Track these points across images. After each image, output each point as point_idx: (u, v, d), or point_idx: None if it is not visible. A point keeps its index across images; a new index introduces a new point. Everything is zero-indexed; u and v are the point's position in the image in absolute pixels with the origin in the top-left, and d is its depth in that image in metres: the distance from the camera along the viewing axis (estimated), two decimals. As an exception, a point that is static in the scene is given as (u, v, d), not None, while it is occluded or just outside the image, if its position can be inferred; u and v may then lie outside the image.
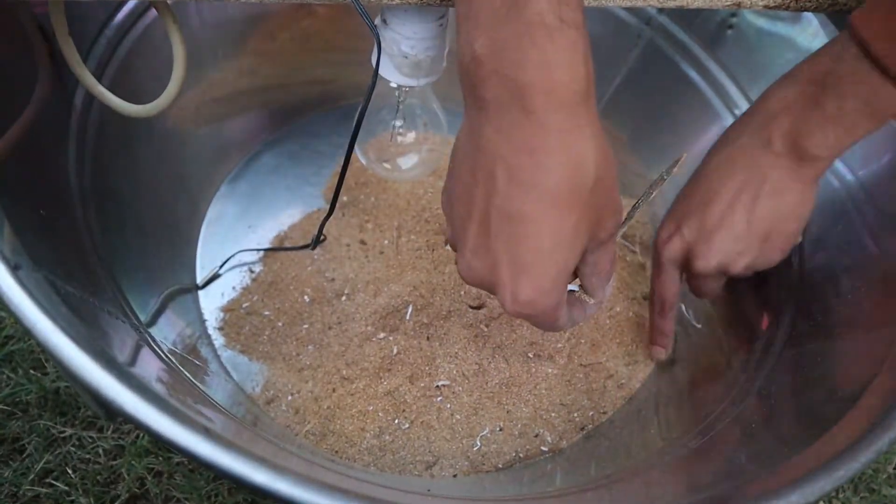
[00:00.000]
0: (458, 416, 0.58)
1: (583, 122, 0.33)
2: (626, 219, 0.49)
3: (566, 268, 0.37)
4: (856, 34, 0.41)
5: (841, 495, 0.76)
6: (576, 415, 0.60)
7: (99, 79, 0.51)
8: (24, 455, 0.65)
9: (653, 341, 0.61)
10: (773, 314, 0.58)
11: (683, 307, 0.65)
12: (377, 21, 0.46)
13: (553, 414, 0.60)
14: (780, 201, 0.48)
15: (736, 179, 0.48)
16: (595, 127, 0.34)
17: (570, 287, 0.42)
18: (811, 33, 0.59)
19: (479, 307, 0.62)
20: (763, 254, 0.51)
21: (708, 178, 0.50)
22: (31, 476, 0.64)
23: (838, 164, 0.57)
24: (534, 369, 0.61)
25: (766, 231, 0.49)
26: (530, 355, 0.61)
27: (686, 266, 0.54)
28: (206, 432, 0.28)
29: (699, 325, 0.64)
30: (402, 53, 0.46)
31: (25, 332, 0.30)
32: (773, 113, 0.46)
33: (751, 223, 0.49)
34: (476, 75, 0.33)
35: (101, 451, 0.66)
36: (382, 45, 0.46)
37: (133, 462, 0.65)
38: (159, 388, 0.40)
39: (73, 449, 0.66)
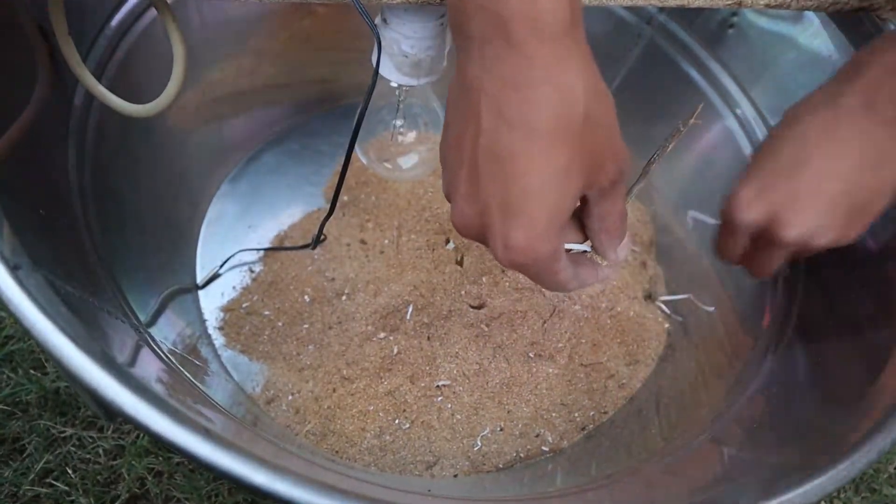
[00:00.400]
0: (458, 416, 0.58)
1: (570, 53, 0.32)
2: (641, 174, 0.45)
3: (559, 210, 0.34)
4: None
5: (842, 495, 0.76)
6: (576, 415, 0.60)
7: (99, 78, 0.50)
8: (25, 455, 0.65)
9: None
10: (775, 313, 0.58)
11: (692, 296, 0.65)
12: (377, 20, 0.46)
13: (554, 414, 0.60)
14: (882, 173, 0.43)
15: (835, 145, 0.42)
16: (584, 60, 0.33)
17: (582, 247, 0.41)
18: (812, 33, 0.59)
19: (479, 307, 0.62)
20: (847, 230, 0.45)
21: (800, 141, 0.44)
22: (32, 476, 0.64)
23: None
24: (534, 369, 0.60)
25: (862, 204, 0.44)
26: (531, 355, 0.61)
27: (763, 234, 0.46)
28: (206, 432, 0.28)
29: (712, 309, 0.63)
30: (403, 53, 0.46)
31: (25, 333, 0.29)
32: (876, 79, 0.42)
33: (849, 195, 0.43)
34: (463, 12, 0.32)
35: (101, 451, 0.66)
36: (383, 44, 0.45)
37: (133, 462, 0.65)
38: (159, 389, 0.39)
39: (73, 449, 0.66)
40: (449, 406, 0.59)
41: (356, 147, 0.60)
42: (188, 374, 0.50)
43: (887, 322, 0.48)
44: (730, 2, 0.45)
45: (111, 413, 0.29)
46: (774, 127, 0.46)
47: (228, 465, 0.27)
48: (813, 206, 0.43)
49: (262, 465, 0.27)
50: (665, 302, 0.67)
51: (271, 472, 0.27)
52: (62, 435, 0.66)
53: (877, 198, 0.43)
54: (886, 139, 0.41)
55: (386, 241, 0.67)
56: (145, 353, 0.47)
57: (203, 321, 0.63)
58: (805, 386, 0.50)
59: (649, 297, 0.68)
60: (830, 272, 0.56)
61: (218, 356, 0.61)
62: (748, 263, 0.50)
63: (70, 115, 0.52)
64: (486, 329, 0.61)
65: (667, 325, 0.66)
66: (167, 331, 0.56)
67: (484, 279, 0.63)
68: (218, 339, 0.62)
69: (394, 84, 0.50)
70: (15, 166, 0.43)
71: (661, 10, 0.68)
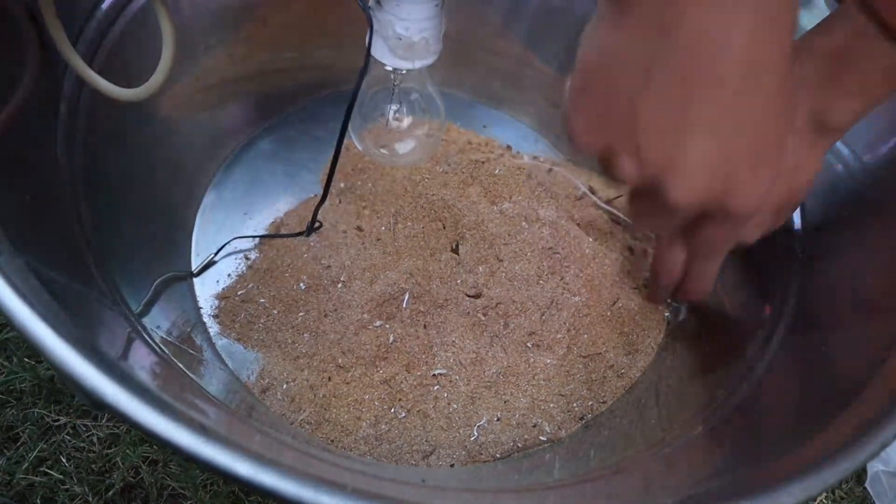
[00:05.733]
0: (455, 406, 0.58)
1: None
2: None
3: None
4: (873, 13, 0.40)
5: (844, 486, 0.76)
6: (575, 405, 0.60)
7: (89, 63, 0.50)
8: (18, 443, 0.65)
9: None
10: (775, 301, 0.57)
11: None
12: (371, 2, 0.45)
13: (552, 404, 0.59)
14: (799, 175, 0.48)
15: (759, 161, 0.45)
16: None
17: None
18: (816, 14, 0.58)
19: (476, 296, 0.62)
20: (773, 223, 0.51)
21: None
22: (25, 465, 0.63)
23: (843, 149, 0.56)
24: (532, 359, 0.60)
25: (781, 203, 0.49)
26: (529, 345, 0.60)
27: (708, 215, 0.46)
28: (190, 423, 0.27)
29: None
30: (397, 35, 0.45)
31: (6, 320, 0.29)
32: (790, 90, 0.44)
33: (771, 197, 0.45)
34: None
35: (95, 439, 0.65)
36: (376, 26, 0.45)
37: (128, 451, 0.64)
38: (150, 379, 0.39)
39: (67, 437, 0.65)
40: (445, 395, 0.58)
41: (352, 133, 0.59)
42: (181, 364, 0.50)
43: (890, 310, 0.47)
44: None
45: (97, 404, 0.29)
46: None
47: (211, 456, 0.27)
48: None
49: (247, 457, 0.27)
50: None
51: (255, 464, 0.27)
52: (56, 423, 0.66)
53: (795, 195, 0.49)
54: (798, 146, 0.46)
55: (382, 229, 0.66)
56: (137, 343, 0.46)
57: (198, 309, 0.63)
58: (807, 375, 0.49)
59: (647, 286, 0.67)
60: (833, 259, 0.55)
61: (213, 344, 0.60)
62: (688, 277, 0.53)
63: (60, 100, 0.51)
64: (483, 318, 0.61)
65: (667, 314, 0.65)
66: (160, 319, 0.55)
67: (480, 268, 0.62)
68: (213, 328, 0.62)
69: (388, 68, 0.49)
70: (1, 151, 0.42)
71: None
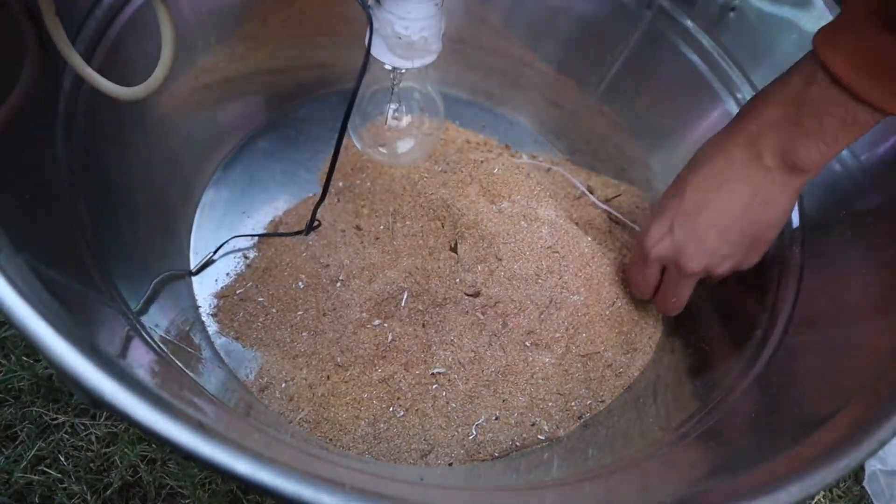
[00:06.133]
0: (453, 405, 0.58)
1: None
2: None
3: None
4: (823, 63, 0.43)
5: (842, 485, 0.76)
6: (573, 404, 0.60)
7: (88, 61, 0.50)
8: (17, 442, 0.65)
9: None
10: (774, 301, 0.57)
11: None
12: (370, 1, 0.45)
13: (550, 403, 0.59)
14: (768, 210, 0.51)
15: (729, 189, 0.51)
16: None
17: None
18: (816, 16, 0.58)
19: (475, 295, 0.62)
20: (746, 258, 0.55)
21: (702, 186, 0.52)
22: (24, 463, 0.63)
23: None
24: (530, 358, 0.60)
25: (754, 237, 0.53)
26: (527, 344, 0.60)
27: (672, 265, 0.56)
28: (188, 421, 0.27)
29: None
30: (396, 34, 0.45)
31: (5, 318, 0.29)
32: (757, 132, 0.49)
33: (742, 231, 0.52)
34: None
35: (93, 438, 0.65)
36: (376, 25, 0.45)
37: (126, 449, 0.64)
38: (149, 378, 0.39)
39: (65, 436, 0.65)
40: (444, 394, 0.58)
41: (351, 132, 0.59)
42: (180, 363, 0.50)
43: (888, 309, 0.47)
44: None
45: (96, 402, 0.29)
46: (683, 170, 0.55)
47: (210, 454, 0.27)
48: (711, 242, 0.53)
49: (246, 455, 0.27)
50: None
51: (255, 462, 0.27)
52: (55, 422, 0.66)
53: (768, 230, 0.52)
54: (770, 184, 0.49)
55: (381, 227, 0.66)
56: (136, 342, 0.46)
57: (196, 308, 0.63)
58: (804, 375, 0.49)
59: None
60: (831, 260, 0.55)
61: (211, 343, 0.60)
62: (661, 299, 0.60)
63: (58, 99, 0.51)
64: (481, 317, 0.61)
65: (660, 314, 0.65)
66: (159, 318, 0.55)
67: (479, 267, 0.62)
68: (211, 326, 0.62)
69: (388, 67, 0.49)
70: (0, 150, 0.42)
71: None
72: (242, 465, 0.27)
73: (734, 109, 0.65)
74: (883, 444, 0.36)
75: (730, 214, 0.51)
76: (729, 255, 0.54)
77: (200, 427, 0.27)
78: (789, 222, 0.60)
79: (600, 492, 0.45)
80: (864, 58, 0.41)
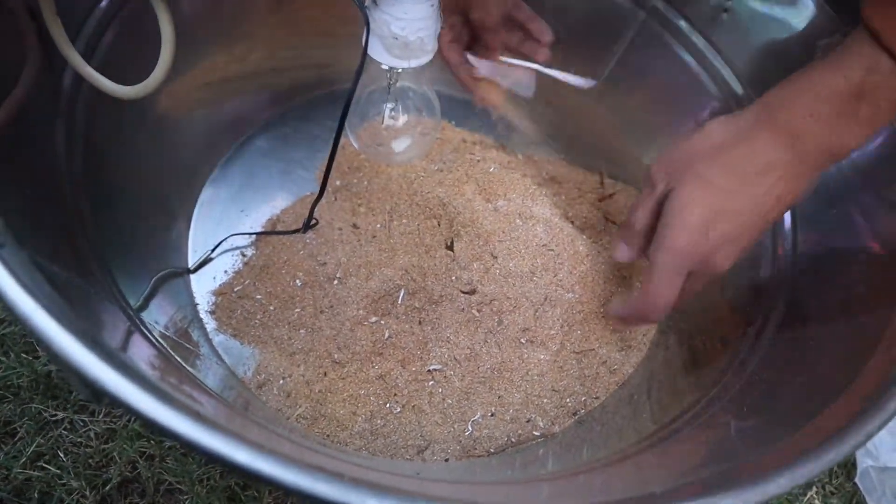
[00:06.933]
0: (449, 401, 0.58)
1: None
2: None
3: None
4: (887, 48, 0.41)
5: (834, 481, 0.77)
6: (568, 400, 0.60)
7: (88, 60, 0.50)
8: (16, 438, 0.65)
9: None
10: (766, 298, 0.58)
11: None
12: (367, 2, 0.46)
13: (545, 399, 0.59)
14: (793, 200, 0.49)
15: (768, 187, 0.47)
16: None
17: None
18: (806, 16, 0.58)
19: (471, 292, 0.62)
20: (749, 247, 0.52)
21: (736, 184, 0.48)
22: (23, 459, 0.64)
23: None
24: (526, 355, 0.60)
25: (768, 225, 0.50)
26: (523, 341, 0.61)
27: (700, 268, 0.51)
28: (190, 412, 0.28)
29: None
30: (392, 34, 0.46)
31: (8, 313, 0.29)
32: (805, 129, 0.46)
33: (770, 222, 0.49)
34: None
35: (92, 434, 0.66)
36: (372, 26, 0.45)
37: (125, 445, 0.65)
38: (149, 372, 0.39)
39: (64, 432, 0.66)
40: (440, 391, 0.58)
41: (349, 131, 0.60)
42: (179, 359, 0.50)
43: (877, 304, 0.48)
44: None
45: (98, 394, 0.29)
46: (702, 162, 0.49)
47: (210, 444, 0.27)
48: (748, 239, 0.50)
49: (246, 445, 0.27)
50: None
51: (254, 452, 0.27)
52: (54, 418, 0.66)
53: (779, 216, 0.50)
54: (804, 176, 0.47)
55: (378, 226, 0.66)
56: (136, 337, 0.47)
57: (195, 305, 0.63)
58: (795, 370, 0.50)
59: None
60: (821, 256, 0.56)
61: (209, 340, 0.61)
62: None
63: (59, 97, 0.52)
64: (477, 314, 0.61)
65: None
66: (158, 315, 0.56)
67: (475, 265, 0.63)
68: (209, 323, 0.62)
69: (385, 67, 0.50)
70: (2, 148, 0.43)
71: (656, -7, 0.67)
72: (242, 455, 0.27)
73: (727, 109, 0.65)
74: (870, 436, 0.36)
75: (767, 214, 0.48)
76: (753, 245, 0.51)
77: (201, 418, 0.28)
78: (782, 219, 0.60)
79: (595, 483, 0.46)
80: None
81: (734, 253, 0.49)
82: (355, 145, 0.61)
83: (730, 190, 0.47)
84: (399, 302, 0.61)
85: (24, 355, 0.69)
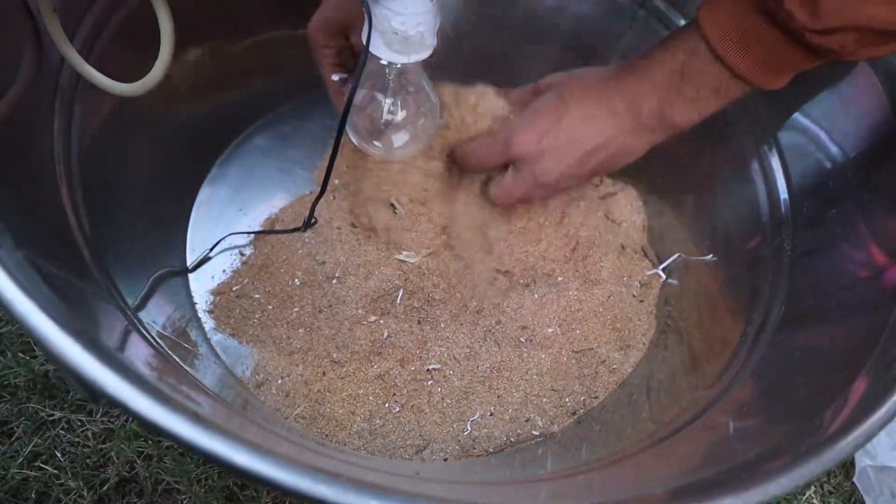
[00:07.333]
0: (448, 401, 0.58)
1: None
2: None
3: None
4: (704, 37, 0.47)
5: (833, 480, 0.77)
6: (567, 400, 0.60)
7: (86, 57, 0.50)
8: (13, 438, 0.65)
9: None
10: (765, 297, 0.58)
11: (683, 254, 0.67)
12: (368, -2, 0.46)
13: (544, 399, 0.59)
14: (625, 157, 0.56)
15: (602, 131, 0.54)
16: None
17: None
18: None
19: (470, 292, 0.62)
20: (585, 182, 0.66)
21: (579, 119, 0.55)
22: (20, 459, 0.63)
23: (832, 147, 0.57)
24: (525, 354, 0.60)
25: (599, 173, 0.60)
26: (522, 340, 0.61)
27: (526, 168, 0.58)
28: (188, 413, 0.28)
29: (711, 257, 0.65)
30: (393, 29, 0.46)
31: (5, 313, 0.29)
32: (642, 90, 0.52)
33: (596, 167, 0.57)
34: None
35: (90, 434, 0.66)
36: (373, 21, 0.45)
37: (122, 445, 0.65)
38: (147, 372, 0.39)
39: (61, 432, 0.66)
40: (439, 390, 0.58)
41: (347, 127, 0.59)
42: (177, 358, 0.50)
43: (877, 304, 0.47)
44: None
45: (95, 394, 0.29)
46: (568, 87, 0.57)
47: (209, 445, 0.27)
48: (569, 165, 0.56)
49: (245, 446, 0.27)
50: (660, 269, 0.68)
51: (254, 453, 0.27)
52: (51, 418, 0.66)
53: (611, 170, 0.58)
54: (637, 136, 0.54)
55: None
56: (134, 337, 0.46)
57: (193, 304, 0.63)
58: (794, 370, 0.50)
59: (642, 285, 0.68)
60: (821, 256, 0.56)
61: (207, 339, 0.61)
62: (500, 190, 0.61)
63: (56, 95, 0.51)
64: (476, 313, 0.61)
65: (653, 311, 0.66)
66: (156, 314, 0.56)
67: (475, 262, 0.63)
68: (208, 323, 0.62)
69: (384, 62, 0.49)
70: (-1, 146, 0.43)
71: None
72: (241, 457, 0.27)
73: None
74: (870, 437, 0.36)
75: (594, 150, 0.55)
76: (575, 183, 0.59)
77: (199, 419, 0.27)
78: (780, 220, 0.60)
79: (595, 484, 0.46)
80: (738, 35, 0.46)
81: (554, 169, 0.56)
82: (354, 141, 0.60)
83: (574, 116, 0.55)
84: (398, 301, 0.61)
85: (21, 355, 0.68)
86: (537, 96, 0.59)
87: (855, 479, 0.76)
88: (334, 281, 0.63)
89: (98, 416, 0.67)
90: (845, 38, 0.41)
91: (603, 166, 0.57)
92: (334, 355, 0.59)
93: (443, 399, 0.58)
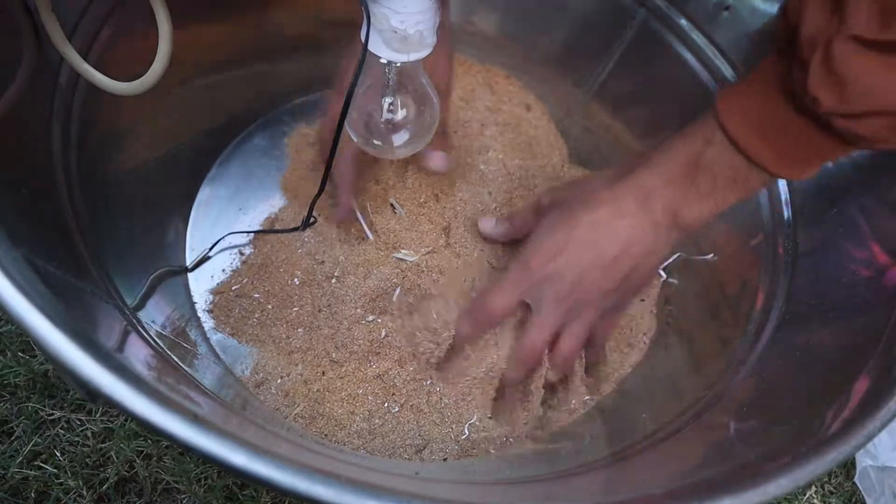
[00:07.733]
0: (447, 401, 0.58)
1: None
2: None
3: None
4: (721, 124, 0.45)
5: (833, 480, 0.77)
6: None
7: (84, 56, 0.49)
8: (13, 438, 0.65)
9: None
10: (765, 297, 0.58)
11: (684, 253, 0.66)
12: (367, -4, 0.46)
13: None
14: (650, 260, 0.53)
15: (615, 235, 0.51)
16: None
17: None
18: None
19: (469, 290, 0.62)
20: (631, 299, 0.60)
21: (592, 227, 0.52)
22: (20, 459, 0.63)
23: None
24: (525, 353, 0.60)
25: (638, 285, 0.56)
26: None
27: (545, 294, 0.54)
28: (185, 413, 0.27)
29: (711, 256, 0.65)
30: (392, 28, 0.45)
31: (3, 312, 0.29)
32: (653, 186, 0.50)
33: (625, 277, 0.52)
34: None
35: (89, 433, 0.66)
36: (372, 19, 0.45)
37: (122, 445, 0.65)
38: (146, 372, 0.39)
39: (61, 432, 0.66)
40: (438, 390, 0.58)
41: (347, 126, 0.59)
42: (176, 358, 0.50)
43: (877, 304, 0.47)
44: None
45: (93, 394, 0.29)
46: (577, 201, 0.54)
47: (207, 446, 0.27)
48: (592, 277, 0.52)
49: (242, 447, 0.27)
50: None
51: (251, 454, 0.27)
52: (50, 418, 0.66)
53: (646, 278, 0.55)
54: (655, 236, 0.51)
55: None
56: (132, 337, 0.46)
57: (192, 304, 0.63)
58: (795, 370, 0.50)
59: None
60: (821, 256, 0.56)
61: (207, 339, 0.61)
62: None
63: (55, 94, 0.51)
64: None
65: (654, 311, 0.66)
66: (155, 314, 0.55)
67: (474, 257, 0.63)
68: (207, 322, 0.62)
69: (383, 61, 0.49)
70: (-3, 145, 0.43)
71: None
72: (239, 457, 0.27)
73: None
74: (870, 437, 0.36)
75: (616, 258, 0.51)
76: (613, 300, 0.55)
77: (198, 419, 0.27)
78: (781, 219, 0.60)
79: (595, 484, 0.46)
80: (760, 123, 0.43)
81: (578, 284, 0.52)
82: (353, 139, 0.60)
83: (587, 223, 0.52)
84: (394, 299, 0.61)
85: (20, 354, 0.68)
86: (540, 216, 0.57)
87: (856, 480, 0.75)
88: (333, 280, 0.63)
89: (98, 416, 0.67)
90: (877, 123, 0.38)
91: (636, 276, 0.53)
92: (333, 355, 0.59)
93: (441, 399, 0.58)
